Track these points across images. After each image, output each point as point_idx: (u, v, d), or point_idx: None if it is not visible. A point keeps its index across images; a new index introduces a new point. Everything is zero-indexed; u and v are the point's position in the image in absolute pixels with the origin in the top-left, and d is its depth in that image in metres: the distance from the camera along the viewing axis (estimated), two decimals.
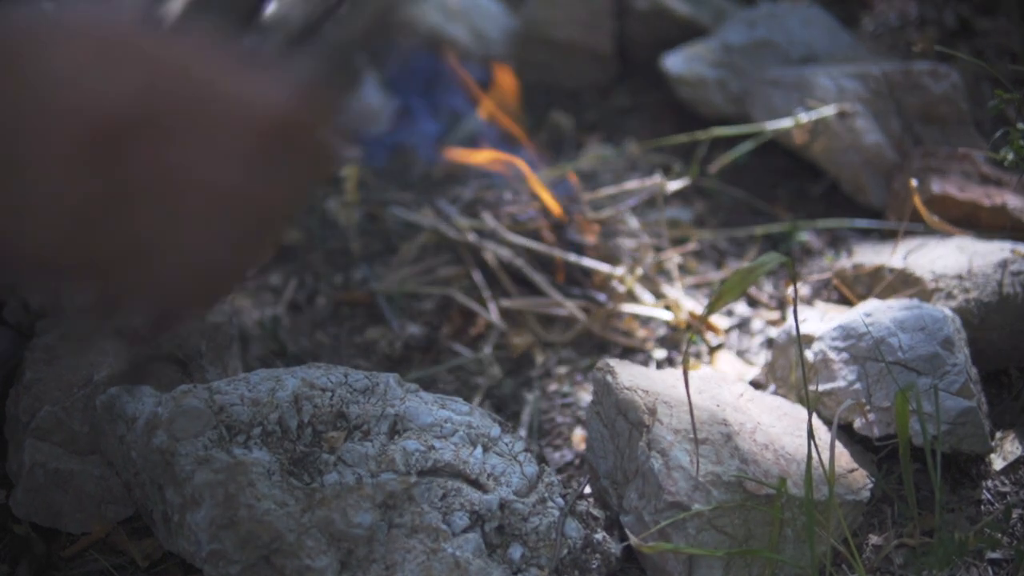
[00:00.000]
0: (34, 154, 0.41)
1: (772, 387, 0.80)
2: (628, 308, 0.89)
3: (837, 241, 0.98)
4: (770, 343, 0.86)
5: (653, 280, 0.93)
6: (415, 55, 1.18)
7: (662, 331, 0.89)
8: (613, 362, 0.71)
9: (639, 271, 0.92)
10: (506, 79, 0.94)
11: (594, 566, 0.60)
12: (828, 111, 0.98)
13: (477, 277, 0.93)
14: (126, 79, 0.42)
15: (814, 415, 0.67)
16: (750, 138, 1.01)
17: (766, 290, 0.93)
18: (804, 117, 0.98)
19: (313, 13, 0.51)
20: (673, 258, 0.95)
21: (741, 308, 0.91)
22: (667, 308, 0.89)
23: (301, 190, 0.47)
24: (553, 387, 0.83)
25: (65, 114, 0.41)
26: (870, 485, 0.66)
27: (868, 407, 0.70)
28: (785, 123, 0.99)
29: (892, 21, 1.27)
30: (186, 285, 0.45)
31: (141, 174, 0.42)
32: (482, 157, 0.94)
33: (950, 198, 0.87)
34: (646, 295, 0.91)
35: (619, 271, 0.90)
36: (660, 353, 0.86)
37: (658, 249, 0.97)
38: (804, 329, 0.76)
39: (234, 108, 0.44)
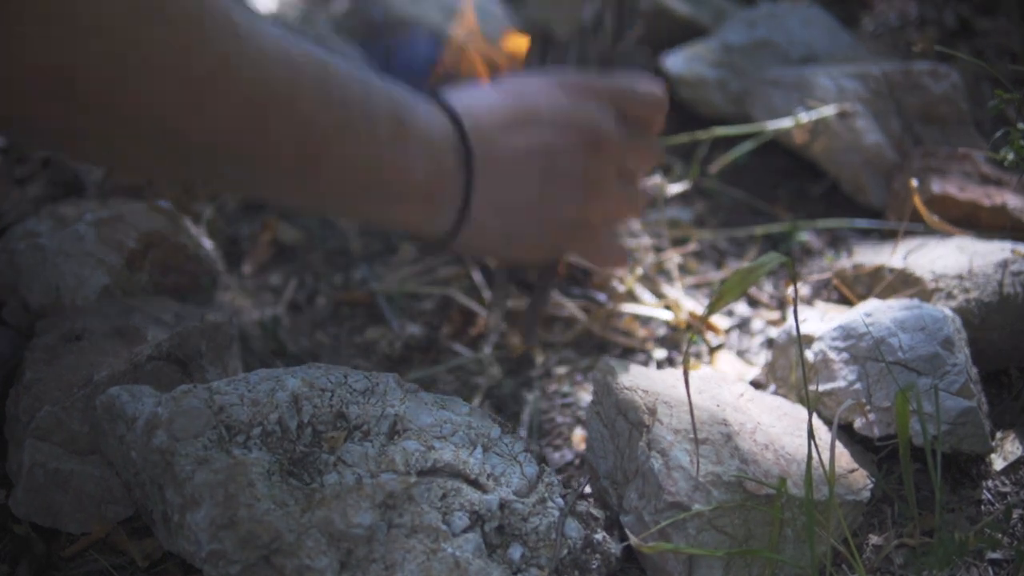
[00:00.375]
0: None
1: (772, 387, 0.80)
2: (628, 308, 0.89)
3: (837, 241, 0.98)
4: (770, 343, 0.86)
5: (653, 280, 0.93)
6: (414, 43, 1.17)
7: (662, 331, 0.89)
8: (613, 362, 0.71)
9: (639, 271, 0.92)
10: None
11: (594, 566, 0.60)
12: (828, 111, 0.98)
13: (477, 277, 0.93)
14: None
15: (814, 415, 0.67)
16: (750, 138, 1.01)
17: (766, 290, 0.93)
18: (804, 117, 0.98)
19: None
20: (673, 258, 0.95)
21: (741, 308, 0.91)
22: (667, 308, 0.89)
23: None
24: (553, 387, 0.83)
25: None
26: (870, 485, 0.66)
27: (868, 407, 0.70)
28: (785, 123, 0.99)
29: (892, 21, 1.27)
30: None
31: None
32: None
33: (950, 198, 0.87)
34: (646, 295, 0.91)
35: (619, 271, 0.90)
36: (660, 353, 0.86)
37: (658, 249, 0.97)
38: (804, 329, 0.76)
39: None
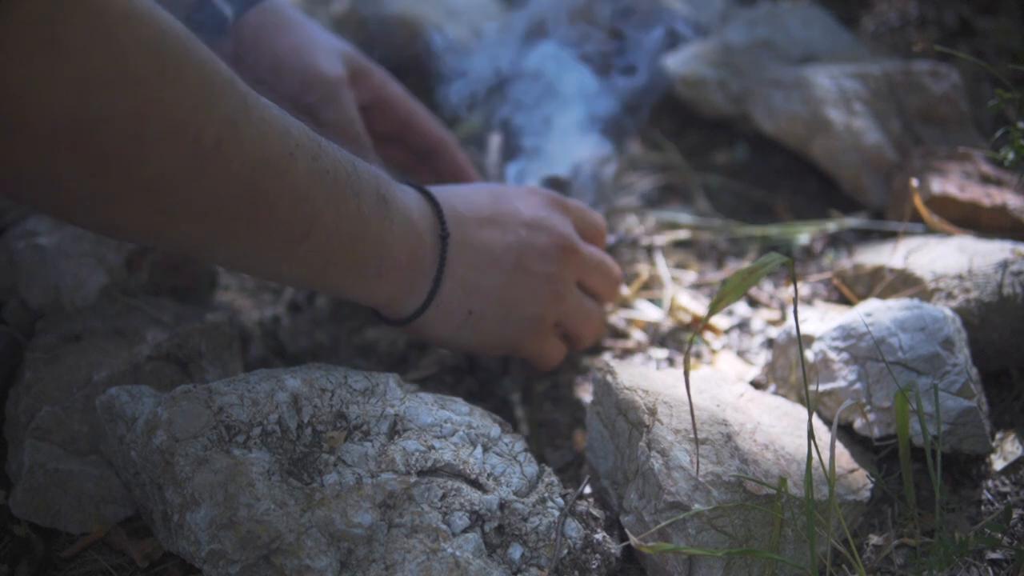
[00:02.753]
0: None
1: (772, 387, 0.80)
2: (627, 314, 0.89)
3: (837, 241, 0.98)
4: (770, 343, 0.86)
5: (653, 280, 0.93)
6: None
7: (662, 331, 0.89)
8: (613, 362, 0.71)
9: (638, 272, 0.92)
10: None
11: (594, 566, 0.60)
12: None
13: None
14: None
15: (814, 415, 0.67)
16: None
17: (766, 290, 0.93)
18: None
19: None
20: (672, 258, 0.95)
21: (741, 308, 0.91)
22: (668, 310, 0.89)
23: None
24: (553, 387, 0.83)
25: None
26: (870, 485, 0.66)
27: (868, 407, 0.70)
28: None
29: (892, 21, 1.27)
30: None
31: None
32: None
33: (950, 198, 0.87)
34: (645, 297, 0.91)
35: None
36: (660, 353, 0.86)
37: (656, 249, 0.97)
38: (804, 329, 0.76)
39: None
